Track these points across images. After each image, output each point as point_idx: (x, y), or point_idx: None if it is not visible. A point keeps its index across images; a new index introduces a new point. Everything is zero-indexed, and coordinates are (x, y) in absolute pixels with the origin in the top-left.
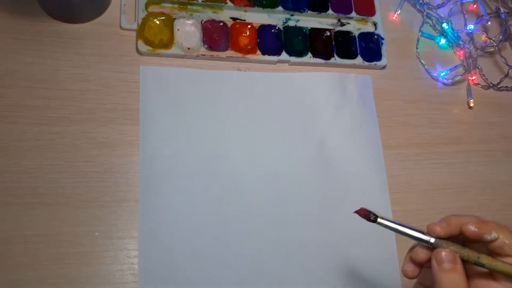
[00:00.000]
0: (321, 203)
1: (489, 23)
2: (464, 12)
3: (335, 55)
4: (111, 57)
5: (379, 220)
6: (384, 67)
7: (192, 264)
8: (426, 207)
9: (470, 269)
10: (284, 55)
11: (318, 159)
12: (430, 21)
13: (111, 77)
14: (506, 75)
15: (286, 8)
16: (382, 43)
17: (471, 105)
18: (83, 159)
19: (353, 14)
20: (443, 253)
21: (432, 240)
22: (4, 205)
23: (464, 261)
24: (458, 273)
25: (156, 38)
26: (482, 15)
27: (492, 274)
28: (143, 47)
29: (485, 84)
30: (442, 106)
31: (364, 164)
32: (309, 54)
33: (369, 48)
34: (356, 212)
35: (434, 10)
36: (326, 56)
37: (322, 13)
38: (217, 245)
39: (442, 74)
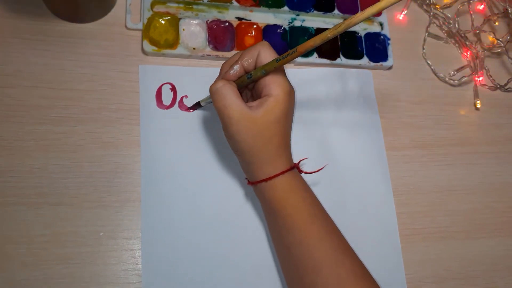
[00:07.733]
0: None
1: (496, 23)
2: (471, 12)
3: (341, 56)
4: (117, 57)
5: (201, 103)
6: (390, 68)
7: (195, 263)
8: (431, 209)
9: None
10: None
11: (320, 156)
12: (437, 21)
13: (117, 77)
14: None
15: (292, 8)
16: (388, 44)
17: (478, 106)
18: (88, 159)
19: None
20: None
21: None
22: (9, 205)
23: (246, 86)
24: (224, 85)
25: (162, 38)
26: (490, 15)
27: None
28: (148, 47)
29: (492, 85)
30: (449, 107)
31: (366, 160)
32: (315, 55)
33: (375, 48)
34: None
35: (441, 10)
36: (332, 56)
37: (328, 13)
38: (219, 243)
39: (448, 75)
